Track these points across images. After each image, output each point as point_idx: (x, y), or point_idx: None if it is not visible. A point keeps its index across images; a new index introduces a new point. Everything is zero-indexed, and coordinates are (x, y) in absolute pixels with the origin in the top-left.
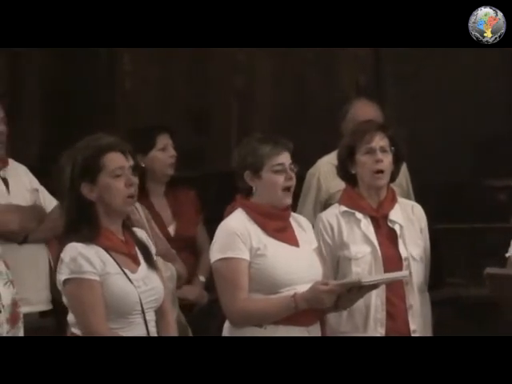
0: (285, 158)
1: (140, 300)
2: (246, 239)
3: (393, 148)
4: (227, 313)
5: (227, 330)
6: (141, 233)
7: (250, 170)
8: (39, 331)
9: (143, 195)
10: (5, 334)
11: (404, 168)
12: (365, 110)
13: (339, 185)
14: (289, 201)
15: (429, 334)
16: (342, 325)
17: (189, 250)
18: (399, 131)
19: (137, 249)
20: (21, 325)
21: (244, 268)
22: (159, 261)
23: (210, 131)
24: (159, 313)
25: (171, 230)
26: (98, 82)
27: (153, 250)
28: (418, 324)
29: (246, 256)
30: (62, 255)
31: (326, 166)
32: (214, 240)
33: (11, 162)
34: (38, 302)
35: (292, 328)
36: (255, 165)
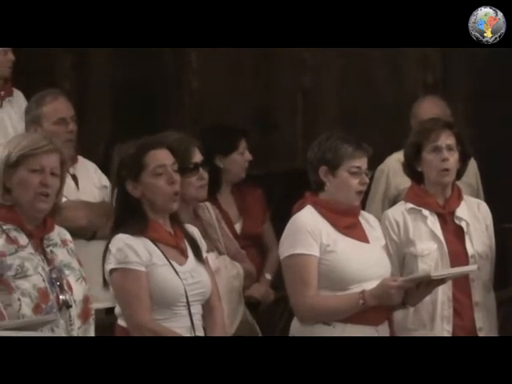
0: (363, 162)
1: (185, 292)
2: (317, 236)
3: (459, 146)
4: (295, 309)
5: (295, 328)
6: (191, 228)
7: (327, 166)
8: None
9: (210, 193)
10: (76, 330)
11: (475, 168)
12: (432, 108)
13: (408, 181)
14: (358, 203)
15: (494, 332)
16: (409, 322)
17: (255, 247)
18: (467, 130)
19: (186, 242)
20: (92, 321)
21: (314, 264)
22: (226, 259)
23: (276, 130)
24: (206, 308)
25: (238, 227)
26: (166, 81)
27: (203, 245)
28: (484, 322)
29: (316, 252)
30: (110, 246)
31: (395, 163)
32: (283, 236)
33: (81, 159)
34: (105, 298)
35: (361, 327)
36: (333, 162)
